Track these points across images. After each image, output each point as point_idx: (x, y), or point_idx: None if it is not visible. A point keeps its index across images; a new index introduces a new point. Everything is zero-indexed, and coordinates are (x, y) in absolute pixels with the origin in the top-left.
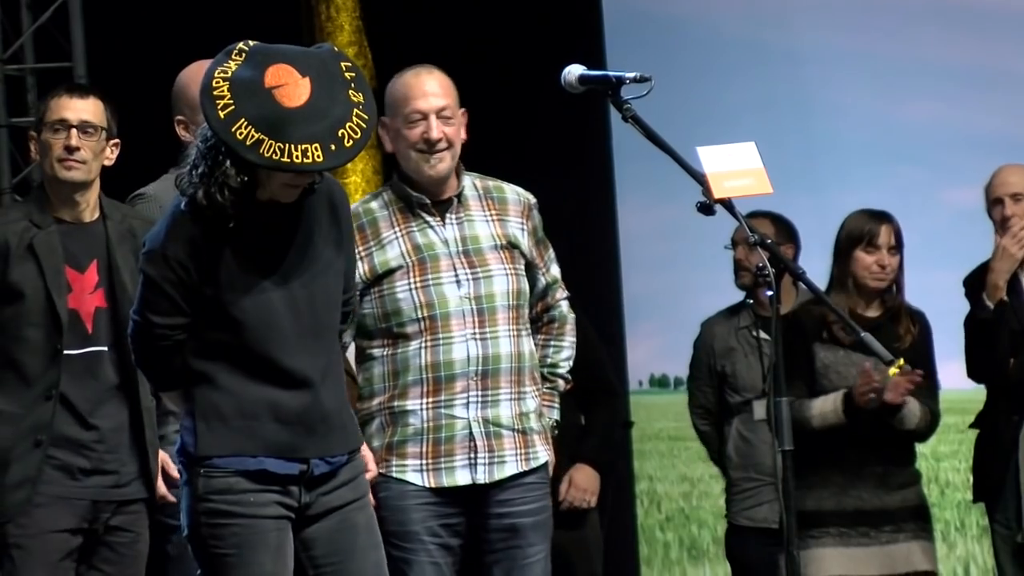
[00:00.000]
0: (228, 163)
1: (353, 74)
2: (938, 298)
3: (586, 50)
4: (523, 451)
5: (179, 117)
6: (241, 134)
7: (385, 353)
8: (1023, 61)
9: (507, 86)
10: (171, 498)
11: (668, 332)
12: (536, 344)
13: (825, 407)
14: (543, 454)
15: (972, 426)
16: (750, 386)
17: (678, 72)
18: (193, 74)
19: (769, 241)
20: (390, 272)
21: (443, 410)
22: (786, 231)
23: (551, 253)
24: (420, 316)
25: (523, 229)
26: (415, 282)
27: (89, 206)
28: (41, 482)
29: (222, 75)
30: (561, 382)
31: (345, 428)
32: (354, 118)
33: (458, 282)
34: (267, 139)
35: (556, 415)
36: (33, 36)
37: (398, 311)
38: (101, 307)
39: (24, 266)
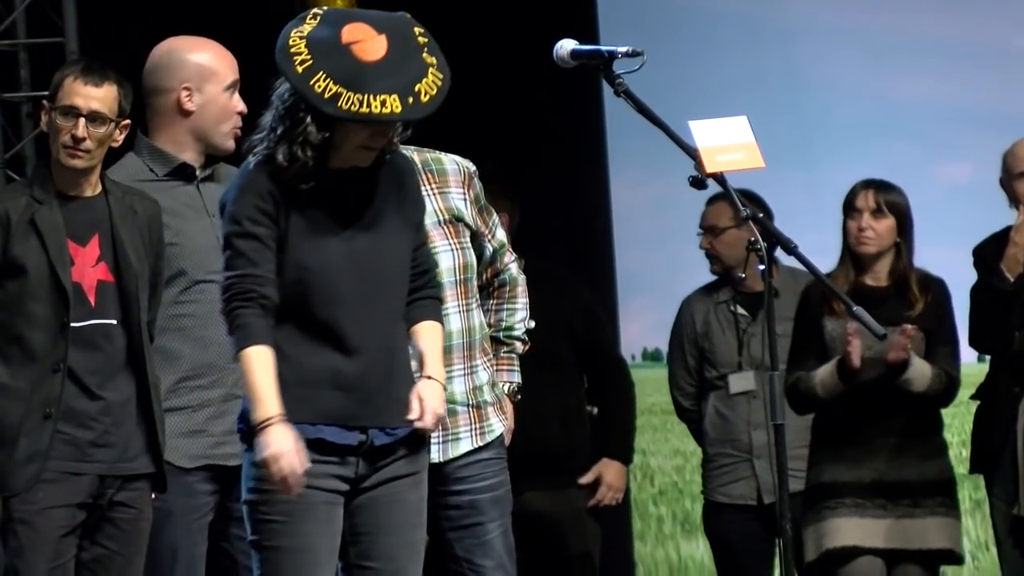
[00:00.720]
0: (308, 119)
1: (426, 39)
2: (932, 272)
3: (579, 25)
4: (477, 426)
5: (186, 85)
6: (320, 87)
7: None
8: (1016, 36)
9: (500, 62)
10: None
11: (661, 307)
12: (489, 309)
13: (824, 374)
14: (497, 426)
15: (973, 397)
16: (727, 361)
17: (671, 47)
18: (186, 43)
19: (760, 216)
20: None
21: None
22: (757, 207)
23: (495, 218)
24: None
25: (465, 199)
26: None
27: (91, 183)
28: (50, 457)
29: (298, 35)
30: (518, 344)
31: (404, 402)
32: (430, 76)
33: None
34: (345, 91)
35: (517, 378)
36: (25, 11)
37: None
38: (105, 280)
39: (27, 241)
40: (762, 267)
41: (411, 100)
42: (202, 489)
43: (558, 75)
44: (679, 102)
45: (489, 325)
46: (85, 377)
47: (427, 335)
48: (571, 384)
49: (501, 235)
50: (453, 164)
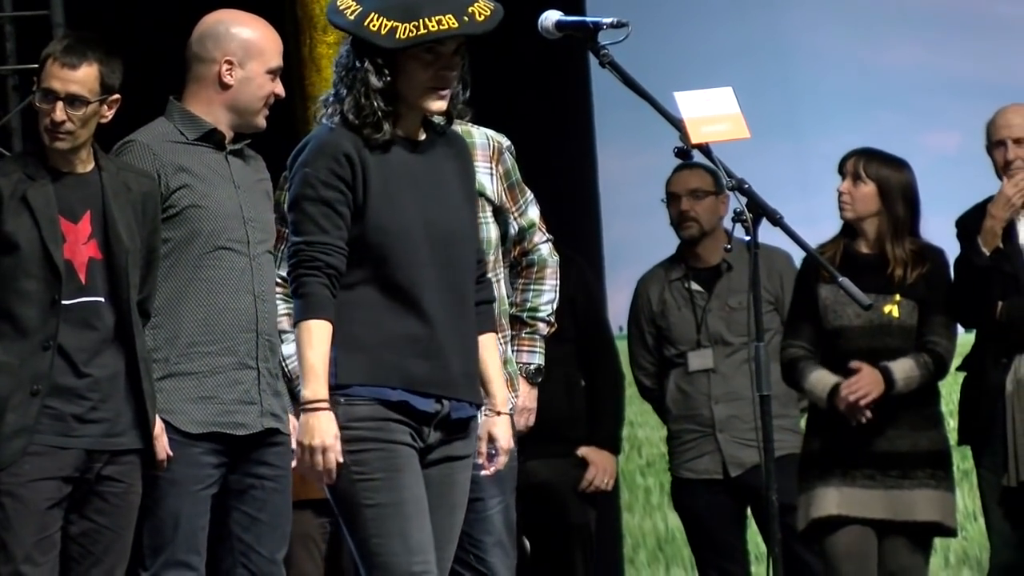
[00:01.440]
0: (367, 64)
1: None
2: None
3: None
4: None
5: (229, 58)
6: (375, 26)
7: None
8: (1002, 5)
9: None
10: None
11: None
12: (516, 288)
13: (815, 390)
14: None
15: (960, 368)
16: (685, 339)
17: (657, 18)
18: (237, 18)
19: (747, 186)
20: None
21: None
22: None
23: (528, 196)
24: None
25: (491, 174)
26: None
27: (82, 159)
28: (37, 431)
29: None
30: (542, 325)
31: (474, 379)
32: (481, 2)
33: None
34: (400, 24)
35: (538, 359)
36: None
37: None
38: (95, 258)
39: (19, 217)
40: (747, 239)
41: (466, 19)
42: (207, 461)
43: (545, 46)
44: (665, 73)
45: (515, 304)
46: (74, 354)
47: (489, 354)
48: (572, 356)
49: (532, 214)
50: (483, 138)
